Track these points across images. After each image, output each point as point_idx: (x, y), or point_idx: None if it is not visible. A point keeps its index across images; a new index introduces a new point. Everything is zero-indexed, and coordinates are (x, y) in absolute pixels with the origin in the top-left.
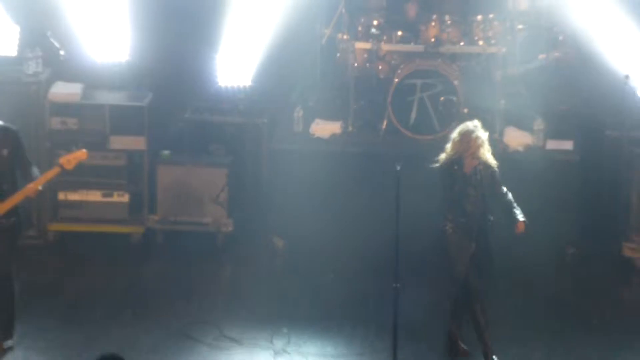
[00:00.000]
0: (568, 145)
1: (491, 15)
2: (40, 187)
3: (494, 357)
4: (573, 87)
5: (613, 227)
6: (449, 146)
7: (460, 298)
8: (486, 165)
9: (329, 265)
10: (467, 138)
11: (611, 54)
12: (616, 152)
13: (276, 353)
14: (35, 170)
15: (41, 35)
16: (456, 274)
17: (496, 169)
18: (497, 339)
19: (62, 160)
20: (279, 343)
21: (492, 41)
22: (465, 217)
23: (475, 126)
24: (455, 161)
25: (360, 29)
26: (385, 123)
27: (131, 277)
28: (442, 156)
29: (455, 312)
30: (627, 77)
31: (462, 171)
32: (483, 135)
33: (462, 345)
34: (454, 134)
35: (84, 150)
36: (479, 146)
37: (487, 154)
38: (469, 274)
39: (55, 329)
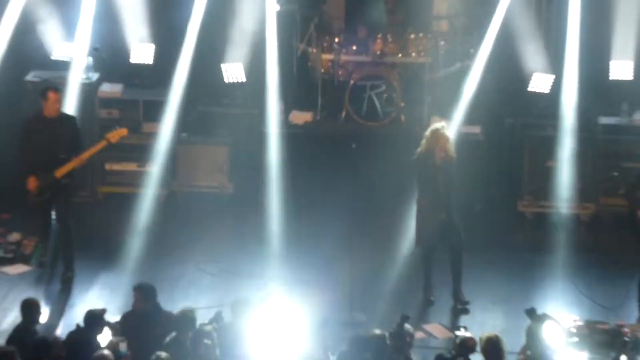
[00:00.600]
0: (477, 129)
1: (421, 34)
2: (88, 157)
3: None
4: (480, 86)
5: (509, 189)
6: (423, 142)
7: (429, 257)
8: (451, 157)
9: (300, 216)
10: (436, 135)
11: (508, 62)
12: (512, 134)
13: (265, 281)
14: (85, 146)
15: (92, 49)
16: (426, 237)
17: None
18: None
19: (109, 135)
20: (267, 274)
21: (422, 53)
22: (436, 195)
23: (443, 126)
24: (428, 153)
25: (325, 44)
26: (344, 113)
27: (158, 226)
28: (418, 149)
29: (427, 270)
30: (529, 82)
31: (434, 160)
32: (448, 133)
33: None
34: (427, 132)
35: (125, 128)
36: (445, 141)
37: (451, 148)
38: (452, 236)
39: (103, 264)
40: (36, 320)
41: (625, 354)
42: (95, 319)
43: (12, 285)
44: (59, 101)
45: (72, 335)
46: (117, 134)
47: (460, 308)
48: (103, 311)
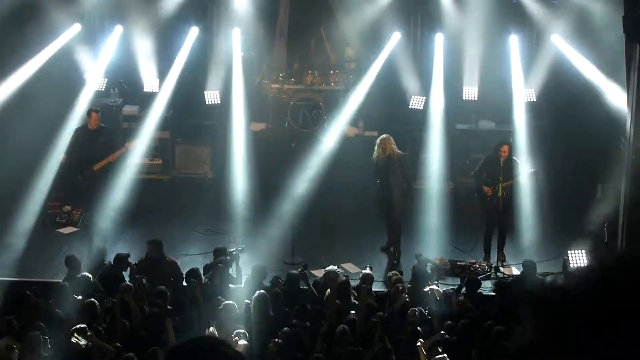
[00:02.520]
0: (375, 133)
1: (337, 71)
2: (116, 157)
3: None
4: (378, 104)
5: None
6: (375, 148)
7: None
8: (397, 155)
9: (259, 192)
10: (383, 142)
11: (396, 88)
12: (398, 135)
13: (236, 236)
14: (115, 149)
15: (117, 82)
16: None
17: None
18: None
19: (127, 144)
20: (236, 231)
21: (338, 84)
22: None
23: (389, 136)
24: (388, 155)
25: (273, 77)
26: (286, 123)
27: (163, 200)
28: (374, 154)
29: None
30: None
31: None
32: (392, 140)
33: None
34: (378, 140)
35: (137, 140)
36: (390, 145)
37: (396, 149)
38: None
39: (127, 226)
40: (78, 269)
41: (465, 284)
42: (121, 260)
43: (65, 241)
44: (98, 119)
45: (103, 270)
46: (132, 144)
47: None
48: (127, 255)
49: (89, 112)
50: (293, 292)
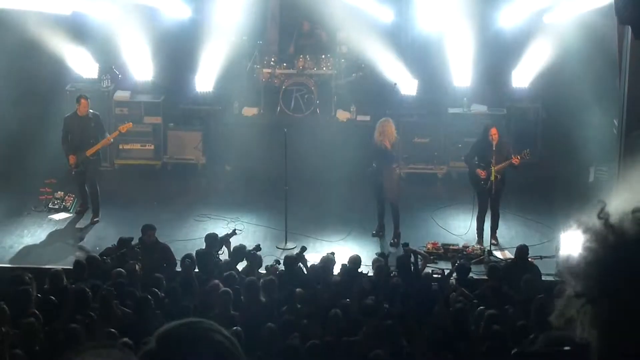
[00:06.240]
0: (367, 118)
1: (329, 55)
2: (111, 141)
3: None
4: (368, 89)
5: None
6: (376, 132)
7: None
8: (394, 139)
9: (251, 178)
10: (382, 125)
11: (386, 74)
12: (392, 120)
13: (229, 222)
14: (106, 134)
15: (109, 68)
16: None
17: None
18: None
19: (120, 127)
20: (231, 216)
21: (330, 68)
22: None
23: (388, 119)
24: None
25: (265, 62)
26: (278, 108)
27: (156, 186)
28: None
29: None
30: (395, 84)
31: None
32: (391, 123)
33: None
34: (378, 124)
35: (131, 123)
36: (390, 129)
37: (394, 134)
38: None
39: (120, 212)
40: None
41: (455, 269)
42: (125, 243)
43: (57, 227)
44: (88, 105)
45: (107, 249)
46: (125, 126)
47: (391, 241)
48: (131, 238)
49: (78, 99)
50: (291, 275)
